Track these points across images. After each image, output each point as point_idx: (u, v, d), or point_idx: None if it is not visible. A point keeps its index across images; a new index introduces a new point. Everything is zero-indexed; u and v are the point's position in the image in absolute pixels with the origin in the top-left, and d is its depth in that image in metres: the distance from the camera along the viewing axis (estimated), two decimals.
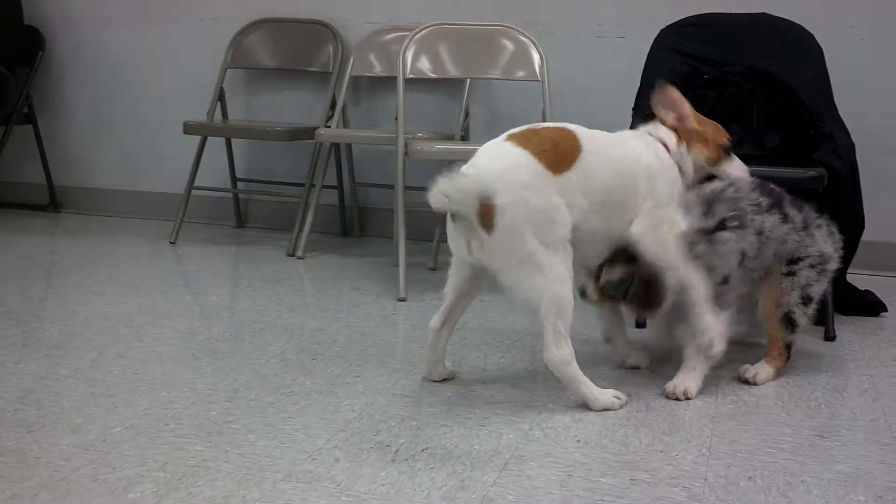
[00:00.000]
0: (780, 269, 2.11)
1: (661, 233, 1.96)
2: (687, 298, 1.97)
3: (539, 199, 1.82)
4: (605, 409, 1.89)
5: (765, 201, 2.08)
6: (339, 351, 2.26)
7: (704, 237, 1.98)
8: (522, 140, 1.87)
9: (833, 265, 2.15)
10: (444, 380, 2.05)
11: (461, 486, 1.52)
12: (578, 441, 1.73)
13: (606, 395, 1.90)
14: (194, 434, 1.71)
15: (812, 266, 2.11)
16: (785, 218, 2.09)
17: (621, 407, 1.91)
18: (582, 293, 2.02)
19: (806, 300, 2.11)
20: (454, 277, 1.98)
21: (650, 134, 2.12)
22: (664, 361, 2.19)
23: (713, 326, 1.97)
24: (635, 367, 2.18)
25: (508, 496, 1.49)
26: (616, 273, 1.97)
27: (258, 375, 2.05)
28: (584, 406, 1.89)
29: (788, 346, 2.14)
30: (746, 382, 2.10)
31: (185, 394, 1.92)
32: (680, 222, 1.98)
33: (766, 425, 1.84)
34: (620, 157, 1.98)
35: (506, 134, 1.92)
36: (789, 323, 2.11)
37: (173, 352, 2.21)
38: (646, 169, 2.02)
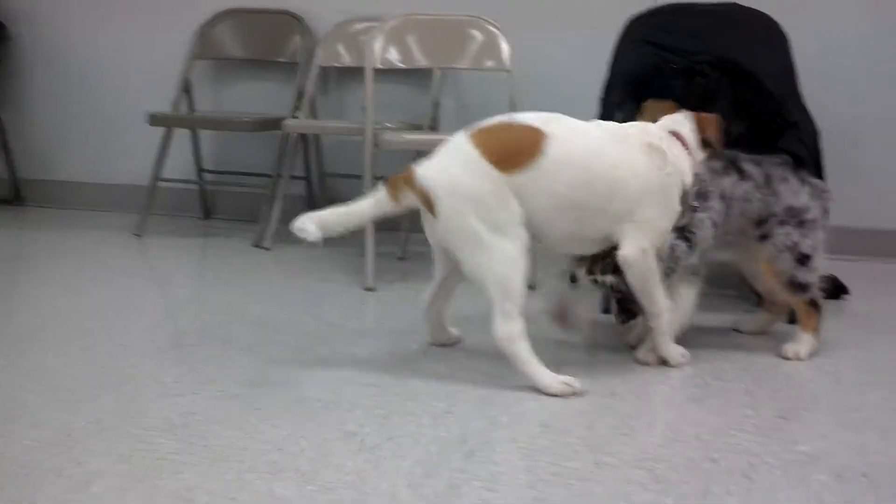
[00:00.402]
0: (754, 234, 2.11)
1: (647, 261, 1.99)
2: (652, 324, 2.05)
3: (475, 189, 1.91)
4: (554, 395, 1.88)
5: (719, 164, 2.10)
6: (306, 341, 2.25)
7: (680, 233, 2.01)
8: (479, 137, 1.96)
9: (812, 214, 2.13)
10: (452, 344, 2.21)
11: (427, 473, 1.53)
12: (545, 426, 1.74)
13: (554, 379, 1.90)
14: (159, 427, 1.70)
15: (783, 223, 2.10)
16: (742, 175, 2.10)
17: (573, 394, 1.89)
18: (572, 279, 2.05)
19: (802, 259, 2.11)
20: (436, 257, 2.11)
21: (669, 131, 2.14)
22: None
23: (673, 357, 2.07)
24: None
25: (475, 482, 1.50)
26: (608, 276, 2.02)
27: (224, 367, 2.04)
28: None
29: (814, 304, 2.14)
30: (787, 358, 2.14)
31: (149, 387, 1.91)
32: (668, 242, 2.00)
33: (730, 408, 1.85)
34: (598, 163, 1.99)
35: (472, 127, 2.00)
36: (798, 287, 2.12)
37: (139, 345, 2.20)
38: (639, 178, 2.02)
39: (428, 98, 3.59)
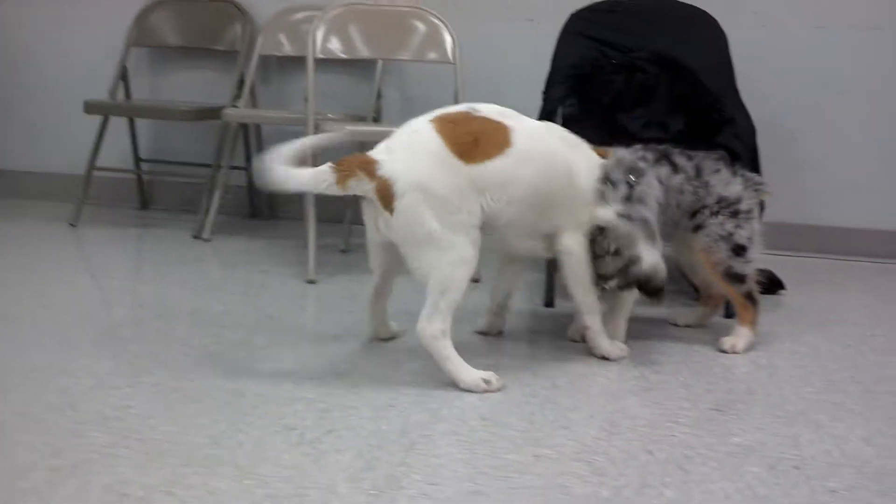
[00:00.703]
0: (688, 225, 2.15)
1: (583, 251, 2.04)
2: (588, 322, 2.09)
3: (441, 186, 1.87)
4: (470, 390, 1.87)
5: (650, 155, 2.13)
6: (245, 334, 2.22)
7: (627, 205, 2.02)
8: (442, 126, 1.92)
9: (746, 205, 2.17)
10: (393, 338, 2.20)
11: (367, 466, 1.52)
12: (485, 419, 1.74)
13: (472, 375, 1.89)
14: (92, 420, 1.66)
15: (715, 213, 2.13)
16: (675, 168, 2.15)
17: (497, 390, 1.88)
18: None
19: (737, 249, 2.14)
20: (371, 254, 2.07)
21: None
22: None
23: (612, 352, 2.10)
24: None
25: (414, 476, 1.49)
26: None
27: (160, 360, 2.01)
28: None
29: (750, 298, 2.18)
30: (724, 351, 2.18)
31: (82, 380, 1.87)
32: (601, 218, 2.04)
33: (666, 400, 1.88)
34: (554, 156, 2.03)
35: (435, 114, 1.97)
36: (734, 277, 2.16)
37: (72, 337, 2.15)
38: (581, 176, 2.06)
39: (371, 89, 3.56)
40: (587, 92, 2.91)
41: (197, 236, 3.34)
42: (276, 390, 1.85)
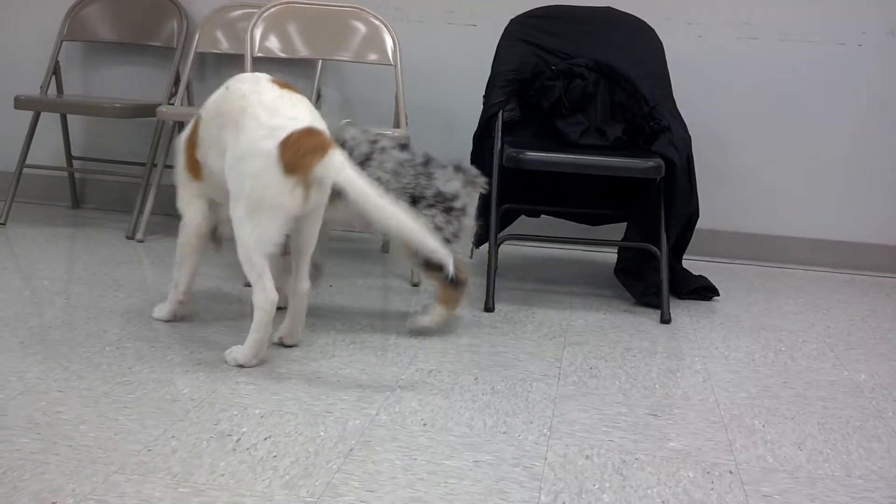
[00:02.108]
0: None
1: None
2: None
3: None
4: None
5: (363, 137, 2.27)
6: (179, 338, 2.18)
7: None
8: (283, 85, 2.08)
9: (461, 203, 2.25)
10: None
11: (304, 473, 1.50)
12: (424, 425, 1.73)
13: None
14: (21, 426, 1.61)
15: (432, 206, 2.22)
16: (403, 148, 2.27)
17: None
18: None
19: (442, 243, 2.08)
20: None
21: None
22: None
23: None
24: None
25: (352, 482, 1.48)
26: None
27: (92, 364, 1.96)
28: (432, 390, 1.90)
29: (452, 281, 2.23)
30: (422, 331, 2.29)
31: (11, 383, 1.81)
32: None
33: (604, 405, 1.89)
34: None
35: (254, 78, 2.08)
36: (432, 267, 2.21)
37: (1, 340, 2.09)
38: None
39: (310, 89, 3.53)
40: (527, 97, 2.93)
41: (130, 237, 3.27)
42: (210, 396, 1.82)
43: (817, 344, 2.46)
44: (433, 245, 1.89)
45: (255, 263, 1.95)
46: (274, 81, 2.05)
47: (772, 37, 3.36)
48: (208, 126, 2.09)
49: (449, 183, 2.25)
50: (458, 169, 2.28)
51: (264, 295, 1.95)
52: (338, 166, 1.90)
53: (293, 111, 1.96)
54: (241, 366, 1.99)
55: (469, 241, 2.31)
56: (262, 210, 1.91)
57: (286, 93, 2.01)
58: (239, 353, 2.00)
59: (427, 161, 2.27)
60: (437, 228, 2.21)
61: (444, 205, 2.23)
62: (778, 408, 1.94)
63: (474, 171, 2.31)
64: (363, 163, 2.23)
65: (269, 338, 2.03)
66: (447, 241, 2.21)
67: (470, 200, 2.28)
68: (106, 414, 1.69)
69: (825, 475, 1.62)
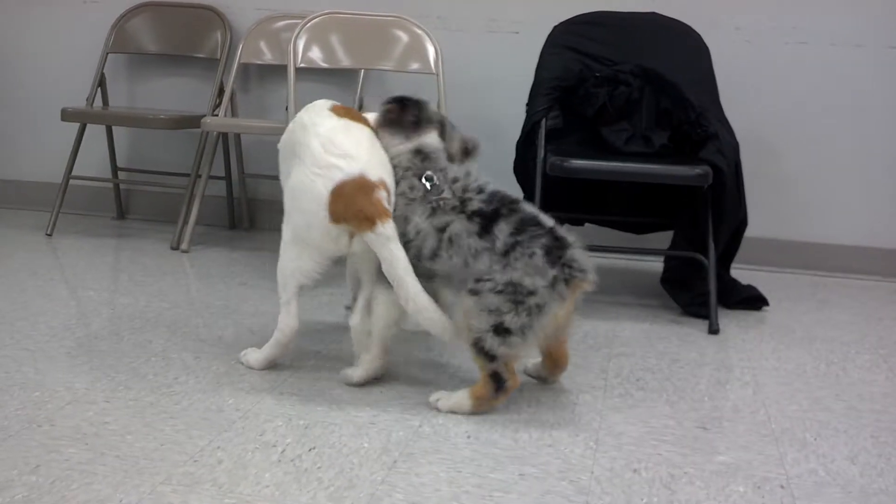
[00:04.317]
0: (469, 287, 1.81)
1: None
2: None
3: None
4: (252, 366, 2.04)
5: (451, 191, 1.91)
6: (224, 348, 2.19)
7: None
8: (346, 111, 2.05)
9: (536, 300, 1.77)
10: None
11: (349, 485, 1.49)
12: (468, 437, 1.72)
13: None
14: (69, 436, 1.62)
15: (498, 292, 1.78)
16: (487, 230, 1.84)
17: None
18: None
19: (498, 330, 1.77)
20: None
21: None
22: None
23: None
24: None
25: (396, 494, 1.47)
26: None
27: (138, 374, 1.97)
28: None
29: (496, 377, 1.81)
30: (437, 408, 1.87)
31: (59, 394, 1.83)
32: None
33: (651, 418, 1.86)
34: None
35: (322, 107, 2.03)
36: (482, 351, 1.79)
37: (48, 350, 2.10)
38: None
39: (353, 98, 3.54)
40: (571, 105, 2.90)
41: (175, 247, 3.30)
42: (255, 406, 1.82)
43: (870, 355, 2.40)
44: (448, 336, 1.84)
45: (288, 288, 1.97)
46: (334, 109, 1.99)
47: (821, 41, 3.31)
48: (285, 160, 2.10)
49: (525, 275, 1.78)
50: (552, 259, 1.79)
51: (287, 319, 2.00)
52: (383, 241, 1.83)
53: (347, 144, 1.88)
54: (251, 367, 2.05)
55: (535, 348, 1.90)
56: (305, 245, 1.93)
57: (343, 123, 1.94)
58: (252, 357, 2.06)
59: (508, 250, 1.80)
60: (499, 312, 1.78)
61: (514, 297, 1.78)
62: (830, 421, 1.90)
63: (580, 262, 1.80)
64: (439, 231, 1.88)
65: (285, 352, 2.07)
66: (506, 329, 1.77)
67: (551, 300, 1.78)
68: (152, 424, 1.70)
69: (879, 489, 1.57)
